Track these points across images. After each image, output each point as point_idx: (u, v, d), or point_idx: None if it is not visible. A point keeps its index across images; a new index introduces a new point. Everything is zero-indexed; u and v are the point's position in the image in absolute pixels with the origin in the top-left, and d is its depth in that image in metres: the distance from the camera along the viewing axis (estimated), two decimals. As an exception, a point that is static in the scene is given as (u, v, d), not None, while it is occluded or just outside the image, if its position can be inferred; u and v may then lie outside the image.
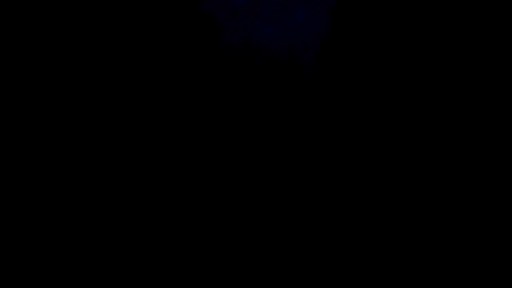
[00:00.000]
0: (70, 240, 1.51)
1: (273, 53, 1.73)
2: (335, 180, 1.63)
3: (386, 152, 1.65)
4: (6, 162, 1.56)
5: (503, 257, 1.52)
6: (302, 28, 1.77)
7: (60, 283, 1.46)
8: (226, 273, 1.50)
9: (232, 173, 1.63)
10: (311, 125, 1.67)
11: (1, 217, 1.52)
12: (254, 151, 1.65)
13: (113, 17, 1.62)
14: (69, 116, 1.61)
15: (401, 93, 1.64)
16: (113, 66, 1.64)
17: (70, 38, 1.61)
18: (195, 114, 1.67)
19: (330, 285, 1.49)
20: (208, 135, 1.66)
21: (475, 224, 1.57)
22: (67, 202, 1.55)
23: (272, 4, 1.78)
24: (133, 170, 1.61)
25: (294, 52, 1.74)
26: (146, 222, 1.56)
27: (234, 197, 1.61)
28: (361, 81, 1.65)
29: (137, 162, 1.62)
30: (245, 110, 1.67)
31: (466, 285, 1.48)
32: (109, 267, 1.49)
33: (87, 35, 1.63)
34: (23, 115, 1.60)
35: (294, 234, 1.56)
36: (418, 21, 1.60)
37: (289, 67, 1.71)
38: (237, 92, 1.67)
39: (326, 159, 1.65)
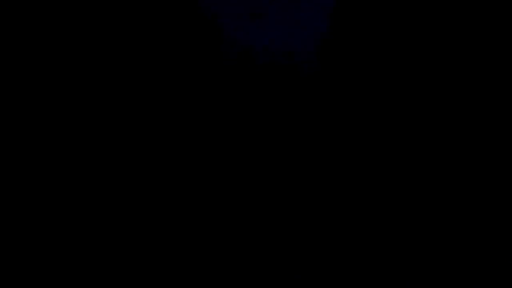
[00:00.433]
0: (70, 240, 1.51)
1: (273, 55, 1.74)
2: (335, 180, 1.64)
3: (386, 152, 1.65)
4: (6, 162, 1.56)
5: (503, 257, 1.52)
6: (302, 30, 1.78)
7: (60, 283, 1.46)
8: (226, 273, 1.50)
9: (233, 173, 1.64)
10: (311, 125, 1.67)
11: (1, 217, 1.52)
12: (254, 151, 1.66)
13: (117, 20, 1.63)
14: (72, 116, 1.62)
15: (401, 94, 1.64)
16: (116, 67, 1.65)
17: (74, 39, 1.62)
18: (196, 114, 1.67)
19: (330, 285, 1.49)
20: (209, 135, 1.66)
21: (475, 224, 1.57)
22: (67, 202, 1.56)
23: (272, 6, 1.79)
24: (133, 170, 1.61)
25: (294, 53, 1.75)
26: (146, 222, 1.56)
27: (234, 197, 1.61)
28: (361, 82, 1.66)
29: (138, 162, 1.62)
30: (245, 111, 1.67)
31: (466, 285, 1.48)
32: (109, 267, 1.49)
33: (89, 36, 1.64)
34: (23, 115, 1.61)
35: (294, 234, 1.57)
36: (417, 23, 1.61)
37: (289, 68, 1.72)
38: (238, 93, 1.67)
39: (326, 160, 1.65)
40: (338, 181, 1.63)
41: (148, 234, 1.54)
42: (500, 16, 1.57)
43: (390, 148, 1.65)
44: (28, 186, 1.56)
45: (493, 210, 1.59)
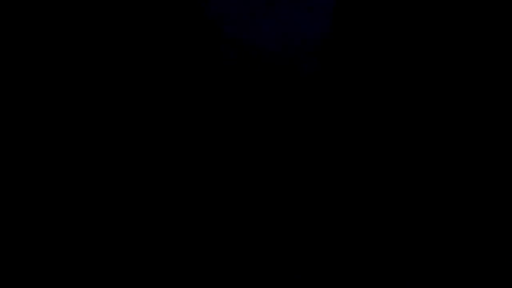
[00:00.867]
0: (70, 240, 1.51)
1: (273, 56, 1.74)
2: (335, 181, 1.64)
3: (386, 152, 1.65)
4: (6, 162, 1.56)
5: (503, 257, 1.52)
6: (301, 32, 1.78)
7: (60, 283, 1.46)
8: (226, 273, 1.50)
9: (233, 173, 1.64)
10: (311, 125, 1.67)
11: (1, 217, 1.52)
12: (254, 152, 1.66)
13: (117, 19, 1.63)
14: (74, 116, 1.62)
15: (400, 95, 1.64)
16: (116, 66, 1.65)
17: (76, 40, 1.62)
18: (196, 114, 1.67)
19: (330, 285, 1.49)
20: (209, 136, 1.66)
21: (475, 224, 1.57)
22: (66, 202, 1.56)
23: (272, 8, 1.79)
24: (133, 170, 1.61)
25: (293, 55, 1.75)
26: (145, 222, 1.56)
27: (234, 197, 1.61)
28: (360, 83, 1.66)
29: (137, 162, 1.62)
30: (245, 111, 1.67)
31: (466, 285, 1.48)
32: (109, 267, 1.49)
33: (91, 36, 1.64)
34: (23, 115, 1.61)
35: (294, 234, 1.57)
36: (417, 24, 1.61)
37: (289, 70, 1.72)
38: (238, 93, 1.67)
39: (326, 160, 1.65)
40: (338, 181, 1.63)
41: (148, 235, 1.54)
42: (500, 17, 1.57)
43: (390, 148, 1.65)
44: (28, 186, 1.56)
45: (493, 210, 1.59)
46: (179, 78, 1.69)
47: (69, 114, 1.62)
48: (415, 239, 1.56)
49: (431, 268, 1.51)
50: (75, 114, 1.62)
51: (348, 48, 1.67)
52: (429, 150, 1.64)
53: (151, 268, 1.50)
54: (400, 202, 1.61)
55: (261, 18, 1.76)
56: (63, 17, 1.62)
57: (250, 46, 1.74)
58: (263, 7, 1.77)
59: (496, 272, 1.50)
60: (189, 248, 1.53)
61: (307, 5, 1.77)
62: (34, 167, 1.58)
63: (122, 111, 1.65)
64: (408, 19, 1.62)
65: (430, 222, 1.58)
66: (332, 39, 1.69)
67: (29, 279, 1.46)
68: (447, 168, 1.63)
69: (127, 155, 1.62)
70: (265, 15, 1.77)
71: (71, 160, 1.60)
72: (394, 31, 1.63)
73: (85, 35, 1.64)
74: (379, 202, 1.61)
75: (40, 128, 1.61)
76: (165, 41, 1.70)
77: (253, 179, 1.63)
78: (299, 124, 1.68)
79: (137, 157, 1.62)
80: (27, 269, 1.47)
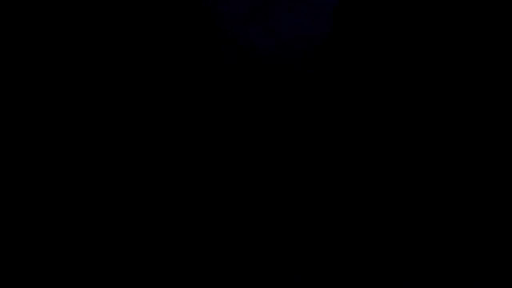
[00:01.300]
0: (70, 240, 1.51)
1: (273, 56, 1.74)
2: (335, 181, 1.64)
3: (386, 152, 1.65)
4: (6, 162, 1.56)
5: (503, 257, 1.52)
6: (301, 32, 1.77)
7: (60, 283, 1.46)
8: (226, 273, 1.50)
9: (233, 173, 1.64)
10: (311, 125, 1.67)
11: (1, 217, 1.52)
12: (254, 152, 1.66)
13: (117, 19, 1.63)
14: (69, 116, 1.62)
15: (400, 95, 1.64)
16: (115, 66, 1.65)
17: (72, 40, 1.62)
18: (195, 115, 1.67)
19: (330, 285, 1.49)
20: (209, 136, 1.66)
21: (475, 224, 1.57)
22: (66, 202, 1.56)
23: (272, 8, 1.79)
24: (133, 171, 1.61)
25: (293, 55, 1.75)
26: (145, 222, 1.56)
27: (234, 197, 1.61)
28: (360, 84, 1.66)
29: (137, 163, 1.62)
30: (245, 111, 1.67)
31: (466, 285, 1.48)
32: (109, 267, 1.49)
33: (91, 36, 1.64)
34: (23, 115, 1.61)
35: (294, 234, 1.57)
36: (417, 26, 1.61)
37: (289, 70, 1.72)
38: (238, 93, 1.67)
39: (326, 160, 1.65)
40: (338, 181, 1.63)
41: (148, 235, 1.54)
42: (500, 17, 1.57)
43: (390, 149, 1.65)
44: (28, 186, 1.56)
45: (493, 210, 1.58)
46: (179, 78, 1.69)
47: (68, 114, 1.62)
48: (415, 239, 1.56)
49: (431, 268, 1.51)
50: (73, 113, 1.62)
51: (348, 49, 1.67)
52: (429, 151, 1.64)
53: (151, 268, 1.50)
54: (400, 202, 1.61)
55: (261, 18, 1.76)
56: (60, 15, 1.62)
57: (250, 46, 1.74)
58: (263, 8, 1.77)
59: (496, 272, 1.50)
60: (189, 248, 1.53)
61: (307, 6, 1.77)
62: (34, 167, 1.58)
63: (122, 111, 1.65)
64: (409, 21, 1.61)
65: (430, 222, 1.58)
66: (333, 40, 1.69)
67: (29, 279, 1.46)
68: (447, 168, 1.63)
69: (126, 155, 1.62)
70: (265, 15, 1.77)
71: (71, 160, 1.60)
72: (395, 32, 1.63)
73: (85, 35, 1.64)
74: (379, 202, 1.61)
75: (40, 128, 1.60)
76: (165, 41, 1.70)
77: (253, 179, 1.63)
78: (299, 124, 1.68)
79: (137, 157, 1.62)
80: (27, 269, 1.47)
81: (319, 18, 1.76)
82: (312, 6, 1.78)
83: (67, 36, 1.63)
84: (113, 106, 1.64)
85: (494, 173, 1.61)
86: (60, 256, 1.49)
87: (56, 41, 1.63)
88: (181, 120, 1.67)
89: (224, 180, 1.63)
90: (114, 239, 1.53)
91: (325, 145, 1.66)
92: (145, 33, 1.68)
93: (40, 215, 1.53)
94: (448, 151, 1.64)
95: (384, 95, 1.65)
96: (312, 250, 1.54)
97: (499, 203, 1.59)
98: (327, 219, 1.59)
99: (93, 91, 1.64)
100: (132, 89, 1.66)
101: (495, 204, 1.59)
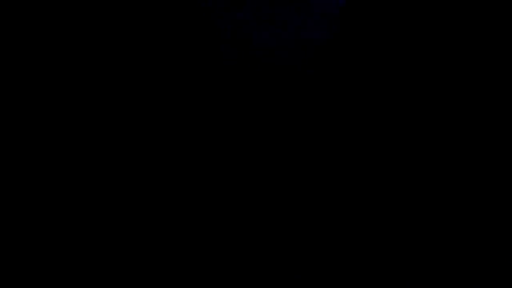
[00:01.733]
0: (70, 240, 1.51)
1: (273, 56, 1.74)
2: (335, 181, 1.64)
3: (386, 152, 1.65)
4: (6, 162, 1.56)
5: (503, 257, 1.52)
6: (302, 33, 1.78)
7: (60, 283, 1.46)
8: (226, 273, 1.50)
9: (232, 173, 1.64)
10: (311, 126, 1.67)
11: (1, 217, 1.52)
12: (253, 152, 1.66)
13: (116, 19, 1.63)
14: (69, 116, 1.62)
15: (400, 96, 1.64)
16: (114, 66, 1.65)
17: (70, 38, 1.62)
18: (195, 115, 1.67)
19: (330, 285, 1.49)
20: (208, 136, 1.66)
21: (475, 224, 1.57)
22: (66, 202, 1.56)
23: (273, 9, 1.79)
24: (132, 171, 1.61)
25: (294, 55, 1.75)
26: (145, 222, 1.56)
27: (234, 197, 1.61)
28: (361, 85, 1.66)
29: (137, 163, 1.62)
30: (245, 111, 1.67)
31: (466, 285, 1.48)
32: (109, 267, 1.49)
33: (87, 35, 1.64)
34: (22, 115, 1.60)
35: (294, 234, 1.57)
36: (417, 28, 1.61)
37: (289, 70, 1.72)
38: (238, 93, 1.67)
39: (326, 160, 1.65)
40: (338, 181, 1.63)
41: (147, 235, 1.54)
42: (501, 18, 1.57)
43: (390, 148, 1.65)
44: (28, 186, 1.56)
45: (493, 210, 1.59)
46: (179, 77, 1.69)
47: (68, 114, 1.62)
48: (415, 239, 1.56)
49: (431, 268, 1.51)
50: (73, 113, 1.62)
51: (349, 50, 1.67)
52: (429, 151, 1.64)
53: (151, 268, 1.50)
54: (400, 202, 1.61)
55: (262, 18, 1.76)
56: (60, 14, 1.62)
57: (250, 46, 1.74)
58: (264, 8, 1.77)
59: (496, 272, 1.50)
60: (189, 248, 1.53)
61: (308, 7, 1.78)
62: (34, 167, 1.57)
63: (121, 111, 1.65)
64: (406, 24, 1.62)
65: (430, 222, 1.58)
66: (339, 40, 1.69)
67: (29, 279, 1.46)
68: (447, 168, 1.63)
69: (126, 155, 1.62)
70: (266, 15, 1.77)
71: (70, 160, 1.59)
72: (398, 34, 1.63)
73: (84, 35, 1.64)
74: (379, 202, 1.61)
75: (40, 128, 1.60)
76: (164, 40, 1.70)
77: (253, 179, 1.63)
78: (299, 124, 1.68)
79: (136, 157, 1.62)
80: (27, 269, 1.47)
81: (320, 20, 1.76)
82: (313, 8, 1.78)
83: (66, 35, 1.63)
84: (112, 105, 1.64)
85: (494, 173, 1.61)
86: (60, 256, 1.49)
87: (56, 41, 1.63)
88: (181, 120, 1.67)
89: (224, 180, 1.63)
90: (114, 239, 1.53)
91: (325, 145, 1.66)
92: (145, 33, 1.68)
93: (40, 215, 1.53)
94: (448, 152, 1.64)
95: (388, 96, 1.66)
96: (312, 250, 1.54)
97: (499, 203, 1.59)
98: (327, 219, 1.59)
99: (92, 91, 1.64)
100: (132, 89, 1.66)
101: (495, 204, 1.59)
